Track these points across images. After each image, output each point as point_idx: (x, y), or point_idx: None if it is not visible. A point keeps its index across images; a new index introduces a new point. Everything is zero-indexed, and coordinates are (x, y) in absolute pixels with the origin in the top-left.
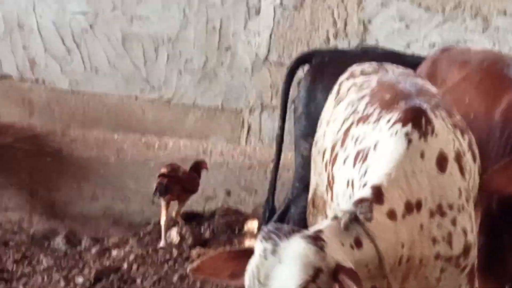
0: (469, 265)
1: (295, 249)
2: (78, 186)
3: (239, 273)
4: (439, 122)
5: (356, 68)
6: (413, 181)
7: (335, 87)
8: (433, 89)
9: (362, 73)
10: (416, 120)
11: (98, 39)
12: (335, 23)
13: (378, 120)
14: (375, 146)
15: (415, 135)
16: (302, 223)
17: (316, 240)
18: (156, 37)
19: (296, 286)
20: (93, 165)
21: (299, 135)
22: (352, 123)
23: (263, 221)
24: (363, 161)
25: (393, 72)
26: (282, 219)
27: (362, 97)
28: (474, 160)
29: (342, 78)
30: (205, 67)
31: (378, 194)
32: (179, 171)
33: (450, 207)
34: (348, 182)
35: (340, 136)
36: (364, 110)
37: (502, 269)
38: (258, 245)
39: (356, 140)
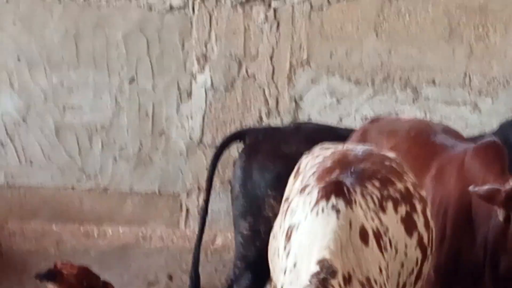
0: None
1: None
2: (19, 280)
3: None
4: (359, 197)
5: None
6: (343, 253)
7: (296, 166)
8: (387, 154)
9: (322, 148)
10: (338, 190)
11: (32, 132)
12: (266, 101)
13: (307, 193)
14: (298, 226)
15: (341, 205)
16: None
17: None
18: (89, 126)
19: None
20: (33, 258)
21: (237, 215)
22: (296, 192)
23: None
24: (288, 240)
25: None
26: None
27: (313, 166)
28: (411, 234)
29: (302, 158)
30: (140, 153)
31: (328, 268)
32: (79, 267)
33: (376, 282)
34: (278, 254)
35: (284, 207)
36: (308, 179)
37: None
38: None
39: (291, 212)
